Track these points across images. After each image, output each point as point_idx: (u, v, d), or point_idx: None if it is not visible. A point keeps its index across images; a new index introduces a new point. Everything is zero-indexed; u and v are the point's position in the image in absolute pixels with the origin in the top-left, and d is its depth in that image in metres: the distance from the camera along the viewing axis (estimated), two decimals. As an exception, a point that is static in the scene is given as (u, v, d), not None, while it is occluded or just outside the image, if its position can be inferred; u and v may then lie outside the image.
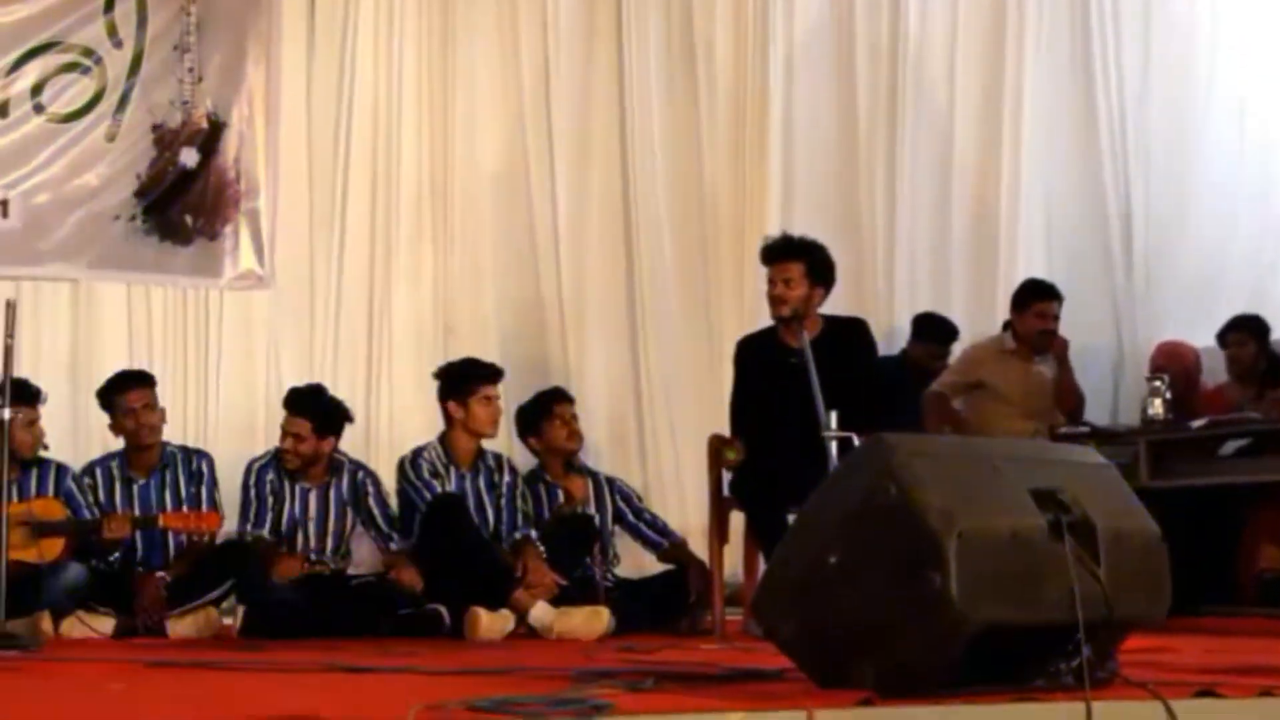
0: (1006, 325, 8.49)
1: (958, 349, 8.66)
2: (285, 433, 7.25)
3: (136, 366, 7.60)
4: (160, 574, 7.00)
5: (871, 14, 9.56)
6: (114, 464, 7.26)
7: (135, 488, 7.22)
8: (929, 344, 8.73)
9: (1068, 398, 8.26)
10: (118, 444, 7.33)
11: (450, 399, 7.44)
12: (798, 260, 6.98)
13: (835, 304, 7.23)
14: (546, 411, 7.74)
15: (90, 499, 7.12)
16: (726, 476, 7.03)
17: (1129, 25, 9.47)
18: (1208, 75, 9.30)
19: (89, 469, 7.28)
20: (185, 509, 7.13)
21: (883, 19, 9.56)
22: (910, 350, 8.87)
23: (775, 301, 6.95)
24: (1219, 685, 3.63)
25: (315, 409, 7.24)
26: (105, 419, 7.32)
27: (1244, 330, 8.25)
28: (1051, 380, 8.25)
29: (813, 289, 6.98)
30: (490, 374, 7.51)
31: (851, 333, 7.12)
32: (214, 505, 7.25)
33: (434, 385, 7.65)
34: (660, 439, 9.08)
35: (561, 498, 7.60)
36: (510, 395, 7.68)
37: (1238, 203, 9.36)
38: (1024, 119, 9.53)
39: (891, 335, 8.83)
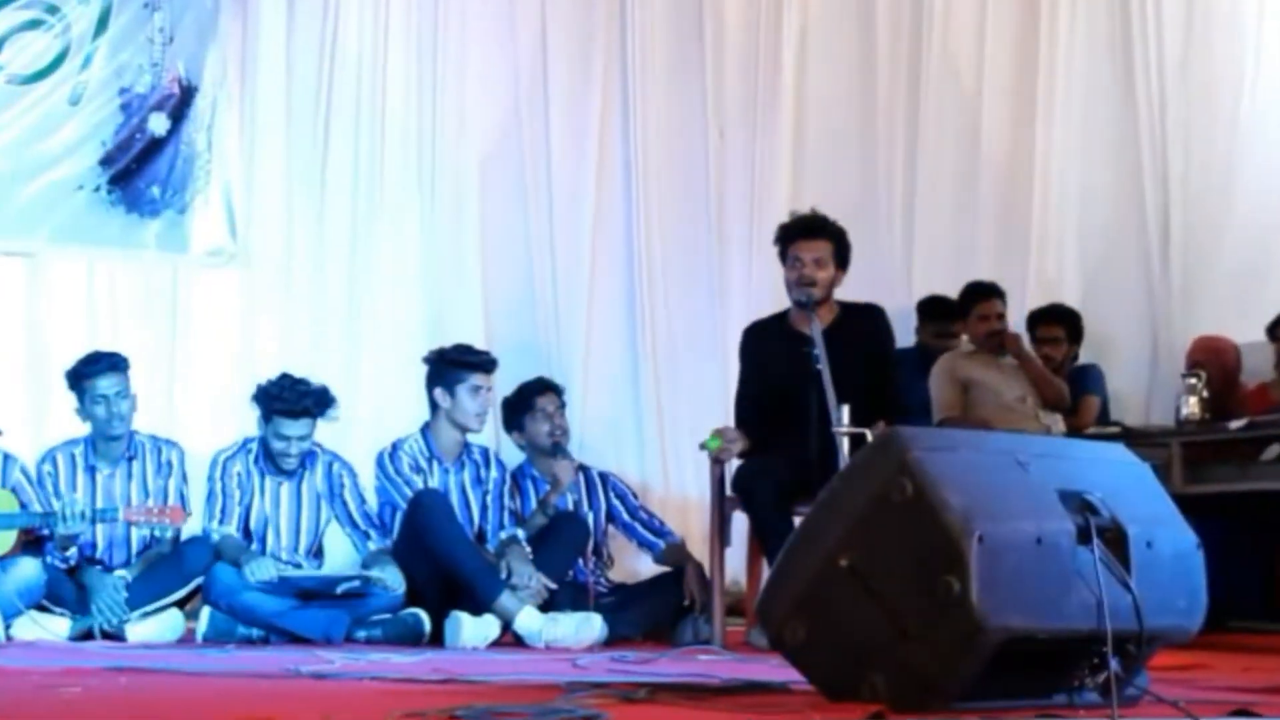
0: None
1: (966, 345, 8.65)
2: (285, 436, 7.22)
3: (99, 347, 7.55)
4: (121, 573, 6.97)
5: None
6: (77, 451, 7.21)
7: (99, 478, 7.18)
8: (936, 322, 8.81)
9: (1046, 389, 8.25)
10: (80, 429, 7.27)
11: (437, 386, 7.42)
12: (828, 239, 6.97)
13: (850, 291, 7.21)
14: (528, 404, 7.73)
15: (49, 488, 7.08)
16: (729, 474, 6.98)
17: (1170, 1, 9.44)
18: (1255, 50, 9.25)
19: (49, 455, 7.21)
20: (151, 503, 7.09)
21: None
22: (921, 336, 8.93)
23: (802, 283, 6.89)
24: (1255, 706, 3.61)
25: (315, 407, 7.23)
26: (66, 403, 7.27)
27: (1295, 323, 8.23)
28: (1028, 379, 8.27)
29: (836, 272, 6.97)
30: (483, 363, 7.50)
31: (868, 321, 7.10)
32: (182, 500, 7.21)
33: (418, 373, 7.63)
34: (660, 433, 9.08)
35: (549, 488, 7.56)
36: (498, 386, 7.66)
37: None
38: (1057, 98, 9.51)
39: (908, 330, 8.83)
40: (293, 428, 7.17)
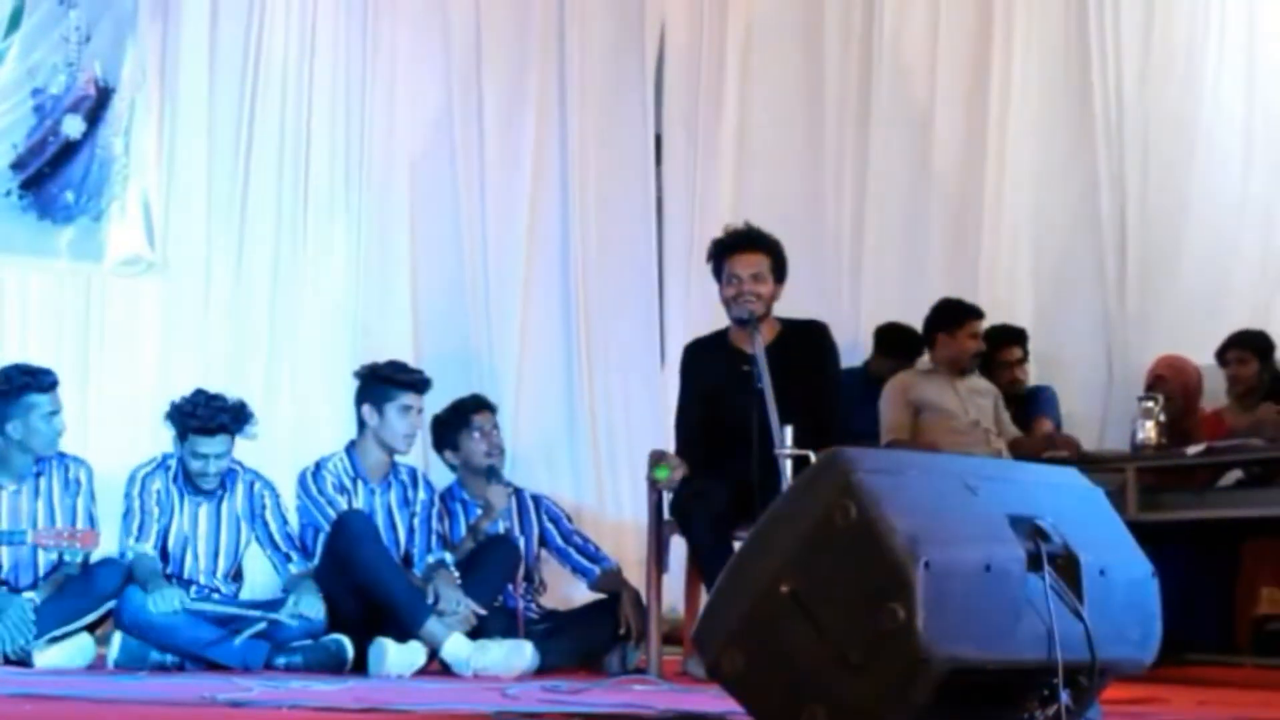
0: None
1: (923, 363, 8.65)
2: (202, 454, 7.14)
3: (7, 358, 7.46)
4: (29, 595, 6.88)
5: None
6: (-21, 465, 7.14)
7: (4, 495, 7.09)
8: (893, 358, 8.74)
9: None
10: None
11: (366, 403, 7.39)
12: (765, 253, 6.95)
13: (796, 309, 7.19)
14: (464, 421, 7.70)
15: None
16: (667, 496, 6.96)
17: (1129, 18, 9.48)
18: (1214, 69, 9.31)
19: (-53, 472, 7.14)
20: (59, 523, 7.01)
21: (856, 3, 9.57)
22: (872, 364, 8.90)
23: (742, 299, 6.86)
24: (1211, 740, 3.62)
25: (232, 422, 7.16)
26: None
27: (1246, 347, 8.27)
28: (991, 404, 8.26)
29: (775, 286, 6.96)
30: (415, 383, 7.47)
31: (811, 338, 7.07)
32: (91, 521, 7.13)
33: (344, 388, 7.60)
34: (595, 453, 9.07)
35: (480, 514, 7.53)
36: (429, 402, 7.62)
37: (1242, 212, 9.34)
38: (1011, 113, 9.56)
39: (855, 350, 8.83)
40: (209, 445, 7.11)
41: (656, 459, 6.81)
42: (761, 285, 6.88)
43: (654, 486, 6.84)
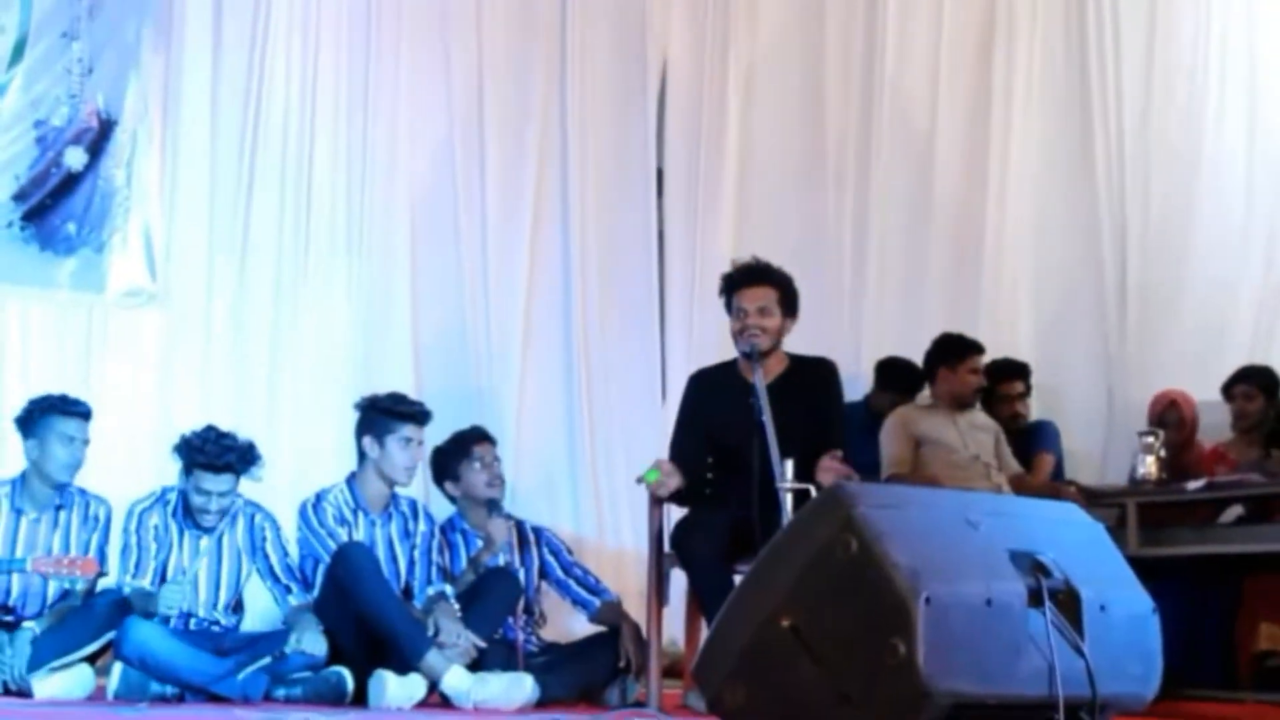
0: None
1: (923, 398, 8.65)
2: (205, 491, 7.12)
3: (8, 389, 7.47)
4: (30, 625, 6.88)
5: (845, 23, 9.58)
6: (3, 491, 7.11)
7: (24, 522, 7.09)
8: (893, 393, 8.74)
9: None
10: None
11: (367, 434, 7.38)
12: (773, 286, 6.97)
13: (795, 341, 7.20)
14: (465, 453, 7.69)
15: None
16: (667, 528, 6.95)
17: (1129, 44, 9.49)
18: (1216, 102, 9.33)
19: (-31, 496, 7.14)
20: (57, 552, 7.00)
21: (858, 29, 9.58)
22: (872, 399, 8.89)
23: (749, 332, 6.87)
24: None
25: (240, 462, 7.15)
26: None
27: (1252, 382, 8.28)
28: (992, 439, 8.26)
29: (784, 320, 6.97)
30: (416, 415, 7.45)
31: (818, 375, 7.07)
32: (102, 557, 7.10)
33: (344, 420, 7.59)
34: (595, 485, 9.07)
35: (481, 546, 7.52)
36: (428, 433, 7.62)
37: (1244, 248, 9.34)
38: (1012, 146, 9.57)
39: (855, 384, 8.82)
40: (214, 483, 7.11)
41: (651, 466, 6.83)
42: (767, 319, 6.90)
43: (647, 489, 6.84)
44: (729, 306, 7.02)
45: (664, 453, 7.40)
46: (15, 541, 7.01)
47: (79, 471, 7.13)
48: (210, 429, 7.18)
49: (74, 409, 7.09)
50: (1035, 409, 8.99)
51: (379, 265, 8.98)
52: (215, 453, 7.09)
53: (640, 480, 6.82)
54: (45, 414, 7.05)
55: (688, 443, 7.09)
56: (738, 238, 9.36)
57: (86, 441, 7.11)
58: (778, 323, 6.94)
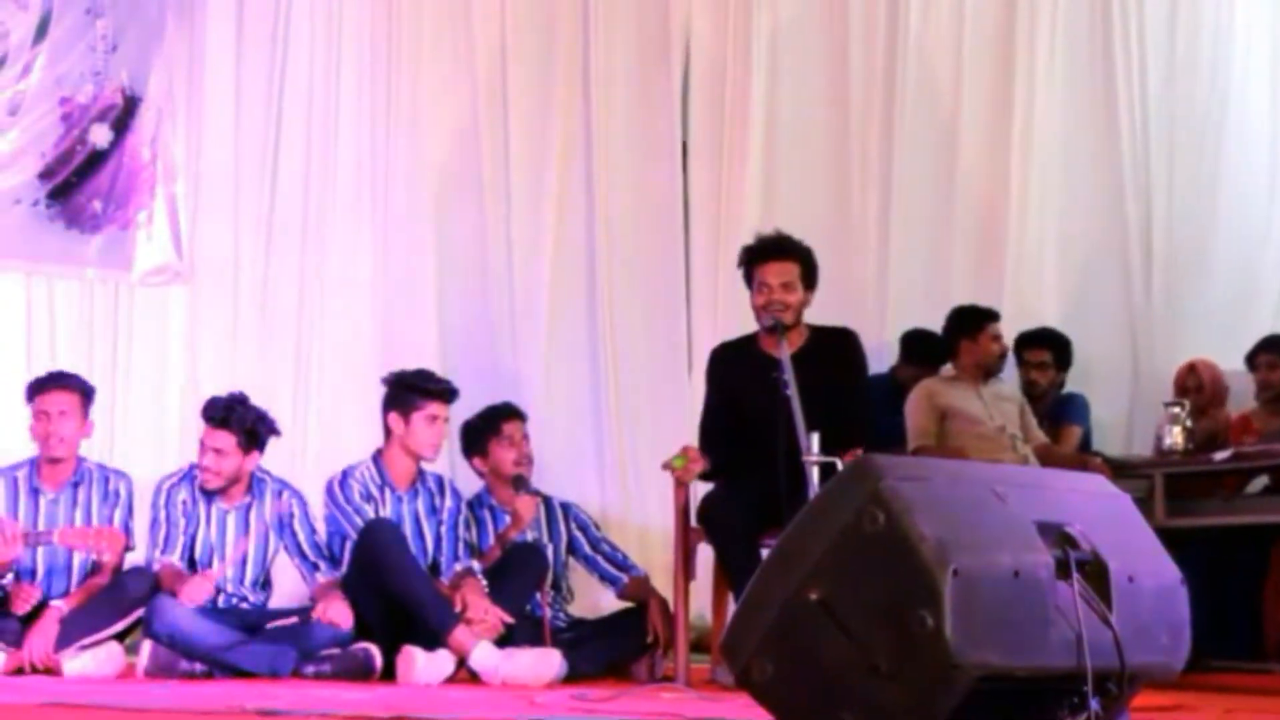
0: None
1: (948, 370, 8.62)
2: (205, 447, 7.16)
3: (36, 368, 7.49)
4: (57, 603, 6.89)
5: (868, 3, 9.56)
6: (21, 473, 7.13)
7: (42, 501, 7.11)
8: (918, 365, 8.72)
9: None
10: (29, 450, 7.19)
11: (393, 410, 7.38)
12: (796, 261, 6.97)
13: (822, 316, 7.19)
14: (494, 429, 7.68)
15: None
16: (694, 503, 6.95)
17: (1153, 17, 9.45)
18: (1241, 68, 9.29)
19: (-11, 476, 7.16)
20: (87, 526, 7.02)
21: (880, 8, 9.56)
22: (898, 371, 8.87)
23: (771, 307, 6.88)
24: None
25: (239, 422, 7.14)
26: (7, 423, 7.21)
27: (1275, 351, 8.25)
28: (1017, 409, 8.25)
29: (806, 293, 6.97)
30: (442, 392, 7.44)
31: (840, 345, 7.09)
32: (127, 532, 7.12)
33: (369, 397, 7.60)
34: (621, 460, 9.07)
35: (509, 522, 7.52)
36: (454, 408, 7.62)
37: (1269, 217, 9.32)
38: (1036, 117, 9.50)
39: (881, 356, 8.81)
40: (211, 438, 7.07)
41: (679, 452, 6.83)
42: (790, 294, 6.89)
43: (676, 478, 6.84)
44: (749, 280, 7.01)
45: (690, 427, 7.41)
46: (36, 521, 7.04)
47: (66, 444, 7.07)
48: (234, 393, 7.19)
49: (74, 385, 7.09)
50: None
51: (404, 240, 8.99)
52: (219, 408, 7.10)
53: (666, 466, 6.82)
54: (44, 389, 7.05)
55: (717, 417, 7.10)
56: (763, 210, 9.32)
57: (64, 413, 7.06)
58: (800, 297, 6.93)
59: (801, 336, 6.97)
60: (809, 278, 6.98)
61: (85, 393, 7.13)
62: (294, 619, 6.98)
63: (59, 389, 7.07)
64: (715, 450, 6.92)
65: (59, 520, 7.06)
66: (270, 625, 6.97)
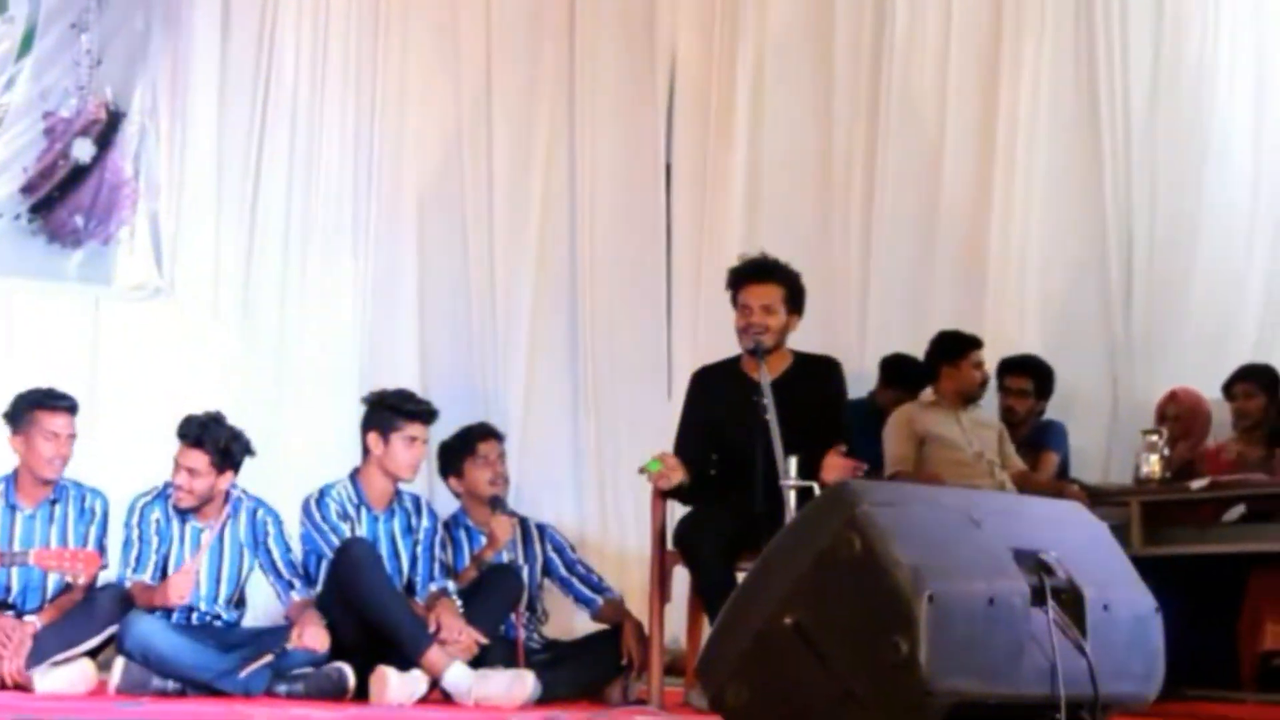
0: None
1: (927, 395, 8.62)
2: (178, 466, 7.13)
3: (15, 384, 7.45)
4: (30, 619, 6.86)
5: (854, 16, 9.57)
6: (-3, 487, 7.13)
7: (19, 517, 7.08)
8: (898, 390, 8.72)
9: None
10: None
11: (372, 430, 7.36)
12: (779, 284, 6.96)
13: (802, 339, 7.18)
14: (470, 449, 7.68)
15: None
16: (670, 526, 6.93)
17: (1136, 47, 9.45)
18: (1225, 98, 9.30)
19: (-36, 491, 7.13)
20: (64, 547, 6.99)
21: (866, 21, 9.57)
22: (878, 396, 8.87)
23: (753, 330, 6.86)
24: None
25: (213, 441, 7.11)
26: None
27: (1253, 381, 8.25)
28: (995, 436, 8.25)
29: (789, 317, 6.96)
30: (422, 413, 7.43)
31: (822, 373, 7.08)
32: (101, 550, 7.09)
33: (348, 416, 7.57)
34: (599, 483, 9.07)
35: (485, 543, 7.50)
36: (434, 428, 7.60)
37: (1250, 246, 9.30)
38: (1019, 145, 9.50)
39: (861, 380, 8.80)
40: (185, 457, 7.03)
41: (654, 457, 6.81)
42: (772, 317, 6.88)
43: (649, 480, 6.82)
44: (735, 302, 7.01)
45: (669, 450, 7.39)
46: (11, 537, 7.00)
47: (65, 466, 7.08)
48: (210, 412, 7.16)
49: (59, 403, 7.07)
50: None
51: (386, 259, 8.99)
52: (193, 427, 7.07)
53: (642, 470, 6.81)
54: (31, 407, 7.03)
55: (692, 440, 7.07)
56: (746, 233, 9.33)
57: (73, 436, 7.07)
58: (783, 320, 6.92)
59: (785, 361, 6.95)
60: (794, 301, 6.96)
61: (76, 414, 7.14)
62: (268, 645, 6.92)
63: (68, 412, 7.05)
64: (688, 468, 6.89)
65: (35, 536, 7.03)
66: (244, 644, 6.94)
